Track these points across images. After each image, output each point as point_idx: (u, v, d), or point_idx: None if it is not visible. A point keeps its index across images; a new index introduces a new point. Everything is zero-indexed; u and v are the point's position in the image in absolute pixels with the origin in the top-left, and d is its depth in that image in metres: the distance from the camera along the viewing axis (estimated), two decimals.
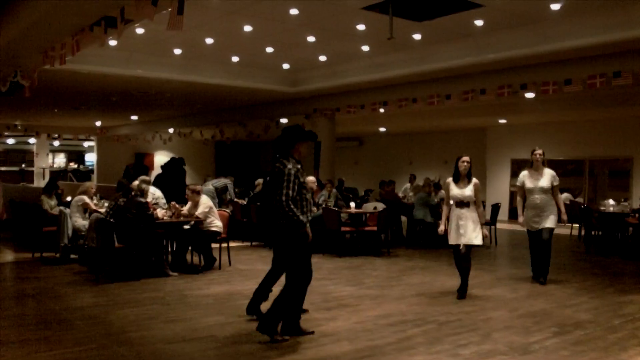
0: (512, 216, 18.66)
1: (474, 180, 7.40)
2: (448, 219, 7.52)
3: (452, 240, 7.41)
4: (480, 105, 14.57)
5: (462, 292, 7.46)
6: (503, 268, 10.40)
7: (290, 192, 5.38)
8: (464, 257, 7.39)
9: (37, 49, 8.17)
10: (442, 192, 14.06)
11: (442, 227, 7.57)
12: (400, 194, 15.10)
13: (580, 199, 16.66)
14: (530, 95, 11.54)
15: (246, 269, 9.50)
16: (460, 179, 7.40)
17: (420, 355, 5.17)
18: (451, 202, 7.49)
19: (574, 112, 15.16)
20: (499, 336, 5.77)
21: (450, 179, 7.51)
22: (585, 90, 10.27)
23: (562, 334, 5.88)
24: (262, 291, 6.20)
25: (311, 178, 12.51)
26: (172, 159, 17.64)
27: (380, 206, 11.77)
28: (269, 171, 5.68)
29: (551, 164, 17.04)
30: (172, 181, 16.69)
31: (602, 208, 12.45)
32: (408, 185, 16.28)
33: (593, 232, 12.60)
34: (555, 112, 15.15)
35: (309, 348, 5.35)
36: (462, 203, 7.33)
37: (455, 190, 7.39)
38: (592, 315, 6.65)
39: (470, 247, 7.36)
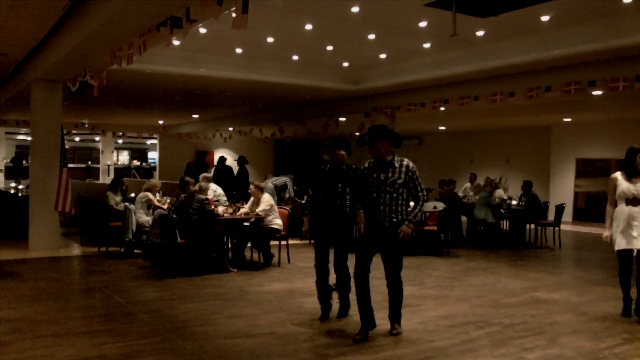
0: (577, 217, 18.10)
1: None
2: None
3: (619, 245, 6.34)
4: (544, 103, 14.18)
5: (626, 309, 6.51)
6: (568, 270, 10.08)
7: None
8: (632, 266, 6.40)
9: (106, 49, 8.36)
10: (500, 191, 13.82)
11: (607, 233, 6.51)
12: (460, 194, 14.85)
13: None
14: (598, 92, 11.13)
15: (306, 267, 9.52)
16: (636, 174, 6.42)
17: (484, 358, 5.06)
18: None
19: None
20: (567, 341, 5.60)
21: (617, 174, 6.53)
22: None
23: (633, 340, 5.66)
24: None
25: None
26: (221, 157, 17.88)
27: (440, 205, 11.61)
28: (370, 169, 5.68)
29: (619, 165, 16.64)
30: (230, 178, 16.94)
31: None
32: (468, 184, 15.99)
33: None
34: (624, 110, 14.58)
35: (369, 348, 5.31)
36: (636, 200, 6.28)
37: (625, 185, 6.36)
38: None
39: None
